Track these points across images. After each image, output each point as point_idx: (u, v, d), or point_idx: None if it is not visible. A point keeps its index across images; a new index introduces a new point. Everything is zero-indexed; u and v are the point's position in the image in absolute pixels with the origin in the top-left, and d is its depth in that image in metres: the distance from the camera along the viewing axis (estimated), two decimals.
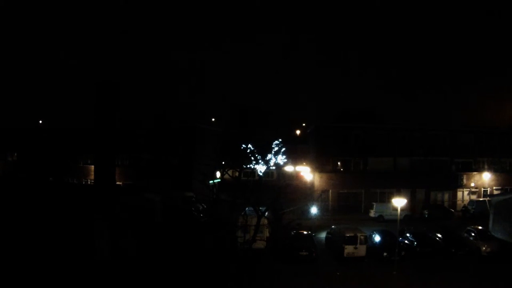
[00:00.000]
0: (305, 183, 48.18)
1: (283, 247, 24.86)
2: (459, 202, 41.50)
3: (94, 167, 20.88)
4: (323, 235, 29.18)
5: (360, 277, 21.50)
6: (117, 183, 33.22)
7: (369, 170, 40.97)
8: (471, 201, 39.43)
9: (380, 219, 35.67)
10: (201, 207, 31.46)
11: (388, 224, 32.08)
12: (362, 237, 24.17)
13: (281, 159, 55.50)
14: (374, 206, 37.36)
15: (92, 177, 29.58)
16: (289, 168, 60.90)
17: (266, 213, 22.10)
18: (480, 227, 27.19)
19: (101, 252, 18.30)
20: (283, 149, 54.58)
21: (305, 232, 27.01)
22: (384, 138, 41.64)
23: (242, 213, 21.65)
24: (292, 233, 26.34)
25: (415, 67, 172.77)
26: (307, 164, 53.34)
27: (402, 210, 25.22)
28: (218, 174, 42.29)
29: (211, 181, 38.96)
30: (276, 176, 61.38)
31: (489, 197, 34.40)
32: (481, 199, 39.29)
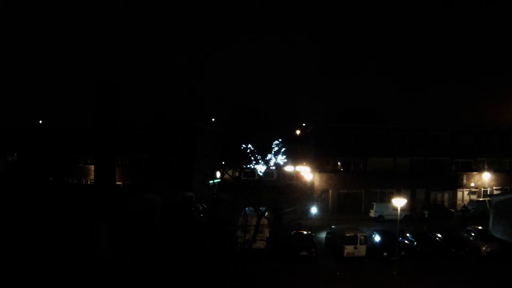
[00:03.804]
0: (305, 183, 48.15)
1: (283, 247, 24.86)
2: (459, 202, 41.46)
3: (94, 167, 20.86)
4: (323, 235, 29.18)
5: (360, 277, 21.50)
6: (117, 183, 33.25)
7: (369, 170, 40.96)
8: (471, 201, 39.42)
9: (380, 219, 35.67)
10: (201, 207, 31.46)
11: (388, 224, 32.09)
12: (362, 237, 24.17)
13: (281, 159, 55.44)
14: (374, 206, 37.36)
15: (92, 177, 29.58)
16: (289, 168, 60.88)
17: (266, 213, 22.09)
18: (480, 227, 27.19)
19: (101, 252, 18.31)
20: (283, 149, 54.52)
21: (305, 232, 27.01)
22: (384, 138, 41.62)
23: (242, 213, 21.65)
24: (292, 233, 26.33)
25: (415, 67, 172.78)
26: (307, 164, 53.33)
27: (402, 210, 25.22)
28: (218, 174, 42.29)
29: (211, 181, 38.96)
30: (276, 176, 61.36)
31: (489, 197, 34.39)
32: (481, 199, 39.28)
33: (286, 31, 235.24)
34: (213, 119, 62.50)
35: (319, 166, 41.25)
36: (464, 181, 42.04)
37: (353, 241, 24.00)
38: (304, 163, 56.76)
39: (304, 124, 74.36)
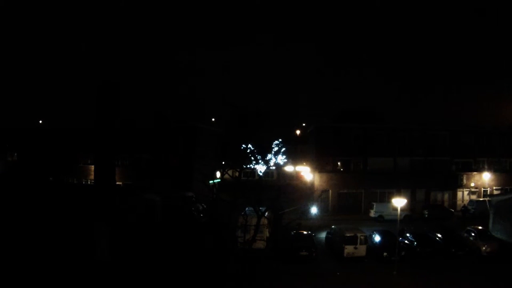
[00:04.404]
0: (305, 183, 48.17)
1: (283, 247, 24.86)
2: (459, 202, 41.47)
3: (94, 167, 20.89)
4: (323, 235, 29.18)
5: (360, 277, 21.50)
6: (117, 183, 33.27)
7: (369, 170, 40.95)
8: (471, 201, 39.40)
9: (380, 219, 35.66)
10: (201, 207, 31.48)
11: (388, 224, 32.07)
12: (362, 237, 24.17)
13: (281, 159, 55.44)
14: (374, 206, 37.34)
15: (92, 177, 29.60)
16: (289, 168, 60.89)
17: (266, 213, 22.09)
18: (480, 227, 27.19)
19: (101, 252, 18.31)
20: (283, 149, 54.50)
21: (305, 232, 27.00)
22: (384, 138, 41.63)
23: (242, 213, 21.65)
24: (292, 233, 26.33)
25: (415, 67, 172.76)
26: (307, 164, 53.34)
27: (402, 210, 25.21)
28: (218, 174, 42.28)
29: (211, 181, 38.97)
30: (276, 176, 61.37)
31: (489, 197, 34.38)
32: (481, 199, 39.27)
33: (286, 31, 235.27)
34: (213, 119, 62.52)
35: (319, 166, 41.24)
36: (464, 181, 42.05)
37: (353, 241, 23.99)
38: (304, 163, 56.77)
39: (304, 124, 74.35)
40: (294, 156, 61.48)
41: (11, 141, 51.07)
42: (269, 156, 52.48)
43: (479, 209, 36.07)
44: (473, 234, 26.21)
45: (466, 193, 42.10)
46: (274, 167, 58.00)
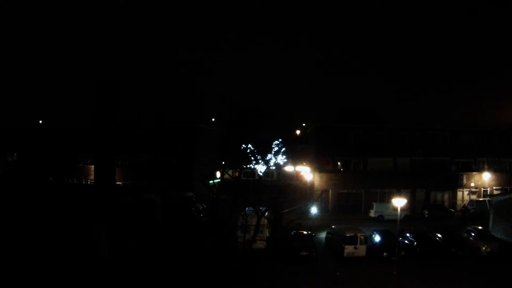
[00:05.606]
0: (305, 183, 48.18)
1: (283, 247, 24.87)
2: (459, 202, 41.49)
3: (94, 167, 20.90)
4: (323, 235, 29.20)
5: (360, 277, 21.50)
6: (117, 183, 33.25)
7: (369, 170, 40.97)
8: (471, 201, 39.42)
9: (380, 219, 35.68)
10: (201, 207, 31.47)
11: (388, 224, 32.09)
12: (362, 237, 24.18)
13: (281, 159, 55.49)
14: (374, 206, 37.36)
15: (92, 177, 29.60)
16: (289, 168, 60.92)
17: (266, 213, 22.10)
18: (480, 227, 27.21)
19: (101, 252, 18.31)
20: (283, 149, 54.54)
21: (305, 232, 27.02)
22: (384, 138, 41.66)
23: (242, 213, 21.66)
24: (292, 233, 26.34)
25: (415, 67, 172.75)
26: (307, 164, 53.37)
27: (402, 210, 25.21)
28: (218, 174, 42.30)
29: (211, 181, 39.00)
30: (276, 176, 61.41)
31: (489, 197, 34.39)
32: (481, 199, 39.30)
33: (286, 31, 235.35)
34: (213, 119, 62.55)
35: (319, 166, 41.26)
36: (464, 181, 42.07)
37: (353, 241, 24.01)
38: (304, 163, 56.77)
39: (304, 124, 74.38)
40: (294, 156, 61.47)
41: (11, 141, 51.08)
42: (269, 156, 52.53)
43: (479, 209, 36.09)
44: (473, 234, 26.22)
45: (466, 193, 42.12)
46: (274, 167, 58.04)
